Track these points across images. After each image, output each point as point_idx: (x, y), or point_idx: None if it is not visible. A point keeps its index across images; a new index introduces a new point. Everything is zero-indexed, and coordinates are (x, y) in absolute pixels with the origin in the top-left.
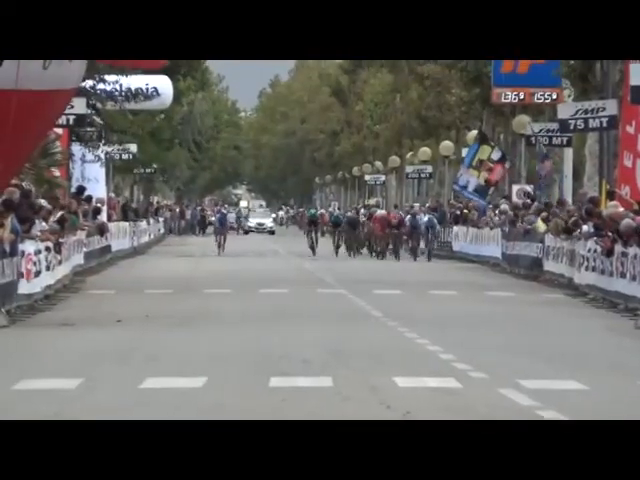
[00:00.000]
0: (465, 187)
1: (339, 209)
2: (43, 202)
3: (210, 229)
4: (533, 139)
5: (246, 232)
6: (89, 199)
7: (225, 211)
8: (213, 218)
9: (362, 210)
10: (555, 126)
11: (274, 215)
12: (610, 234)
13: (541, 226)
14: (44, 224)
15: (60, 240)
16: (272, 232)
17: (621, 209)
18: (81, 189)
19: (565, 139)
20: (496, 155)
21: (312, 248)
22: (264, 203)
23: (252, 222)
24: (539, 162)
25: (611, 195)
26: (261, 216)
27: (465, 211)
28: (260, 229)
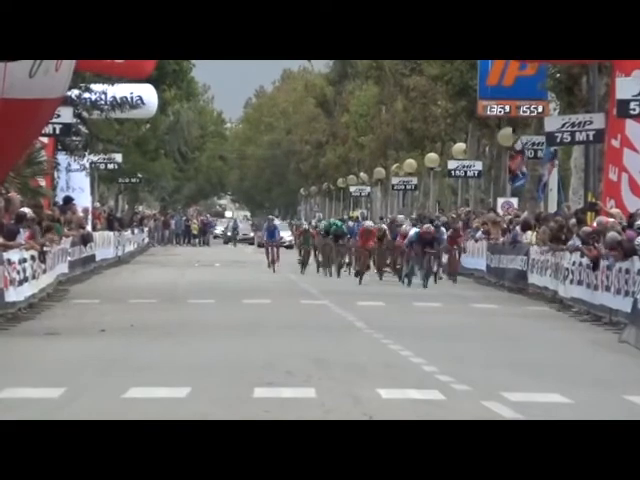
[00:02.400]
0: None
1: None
2: (27, 211)
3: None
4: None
5: (260, 245)
6: (69, 206)
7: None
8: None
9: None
10: (541, 139)
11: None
12: (596, 245)
13: (529, 236)
14: (28, 233)
15: (45, 249)
16: (289, 246)
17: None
18: (68, 199)
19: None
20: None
21: (359, 274)
22: (248, 214)
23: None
24: (544, 165)
25: (593, 207)
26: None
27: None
28: None
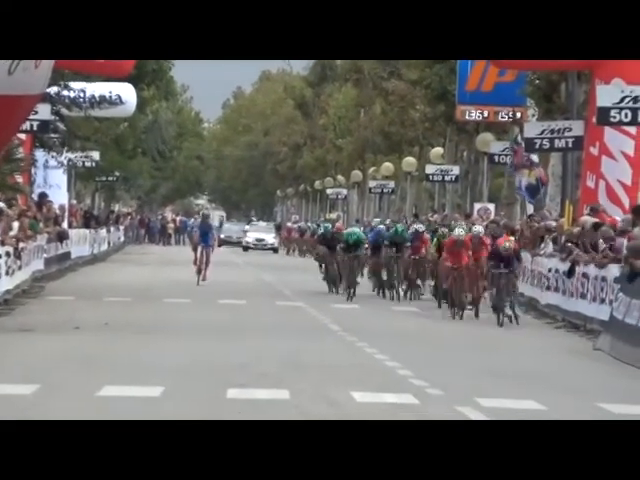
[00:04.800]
0: (519, 187)
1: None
2: (2, 205)
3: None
4: (496, 157)
5: (245, 249)
6: (44, 203)
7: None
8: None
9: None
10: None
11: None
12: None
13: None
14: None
15: (20, 245)
16: (275, 250)
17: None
18: (43, 195)
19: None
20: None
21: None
22: (224, 214)
23: (250, 237)
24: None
25: (595, 211)
26: (261, 230)
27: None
28: (259, 246)
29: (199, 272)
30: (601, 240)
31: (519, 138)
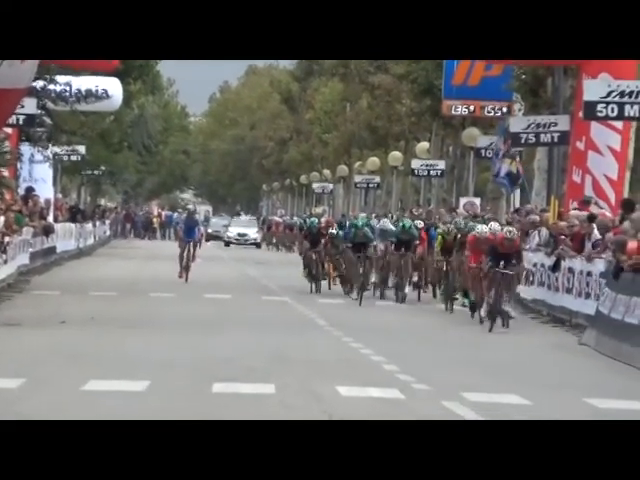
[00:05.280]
0: (498, 174)
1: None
2: None
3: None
4: (482, 152)
5: (227, 244)
6: (31, 197)
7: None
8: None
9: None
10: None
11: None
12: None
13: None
14: None
15: (6, 240)
16: (257, 245)
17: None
18: (29, 190)
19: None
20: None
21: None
22: (211, 209)
23: (232, 232)
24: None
25: (587, 203)
26: (243, 225)
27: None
28: (241, 241)
29: (186, 269)
30: (596, 232)
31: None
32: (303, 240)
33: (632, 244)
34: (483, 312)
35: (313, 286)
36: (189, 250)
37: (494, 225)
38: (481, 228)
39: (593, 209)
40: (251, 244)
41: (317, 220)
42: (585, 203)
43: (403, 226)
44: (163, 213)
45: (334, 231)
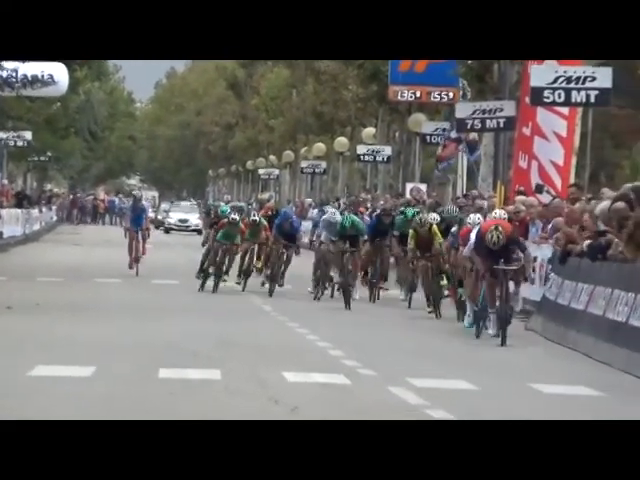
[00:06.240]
0: (443, 161)
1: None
2: None
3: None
4: (428, 138)
5: (167, 231)
6: None
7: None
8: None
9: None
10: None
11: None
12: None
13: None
14: None
15: None
16: (199, 231)
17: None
18: None
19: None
20: (454, 133)
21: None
22: (156, 195)
23: (173, 218)
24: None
25: (540, 189)
26: (184, 210)
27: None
28: (182, 227)
29: (136, 260)
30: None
31: (453, 132)
32: (210, 229)
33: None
34: (491, 325)
35: (242, 284)
36: (137, 240)
37: (472, 216)
38: (474, 218)
39: (545, 197)
40: (192, 230)
41: (228, 209)
42: (537, 190)
43: (405, 216)
44: (107, 198)
45: (236, 216)
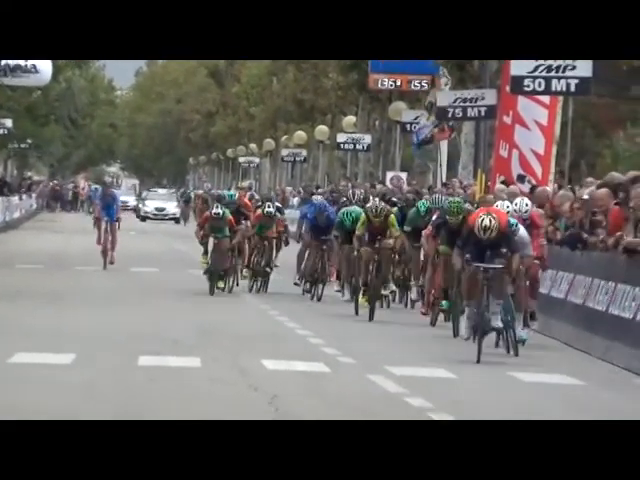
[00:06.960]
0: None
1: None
2: None
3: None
4: (408, 126)
5: (143, 219)
6: None
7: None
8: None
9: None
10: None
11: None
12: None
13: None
14: None
15: None
16: (176, 220)
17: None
18: None
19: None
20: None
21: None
22: (137, 182)
23: (149, 206)
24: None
25: (522, 179)
26: (161, 198)
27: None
28: (160, 216)
29: (105, 254)
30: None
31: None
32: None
33: None
34: (464, 329)
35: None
36: (107, 232)
37: (520, 201)
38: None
39: (527, 187)
40: (170, 219)
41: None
42: (519, 180)
43: (418, 210)
44: (86, 186)
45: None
